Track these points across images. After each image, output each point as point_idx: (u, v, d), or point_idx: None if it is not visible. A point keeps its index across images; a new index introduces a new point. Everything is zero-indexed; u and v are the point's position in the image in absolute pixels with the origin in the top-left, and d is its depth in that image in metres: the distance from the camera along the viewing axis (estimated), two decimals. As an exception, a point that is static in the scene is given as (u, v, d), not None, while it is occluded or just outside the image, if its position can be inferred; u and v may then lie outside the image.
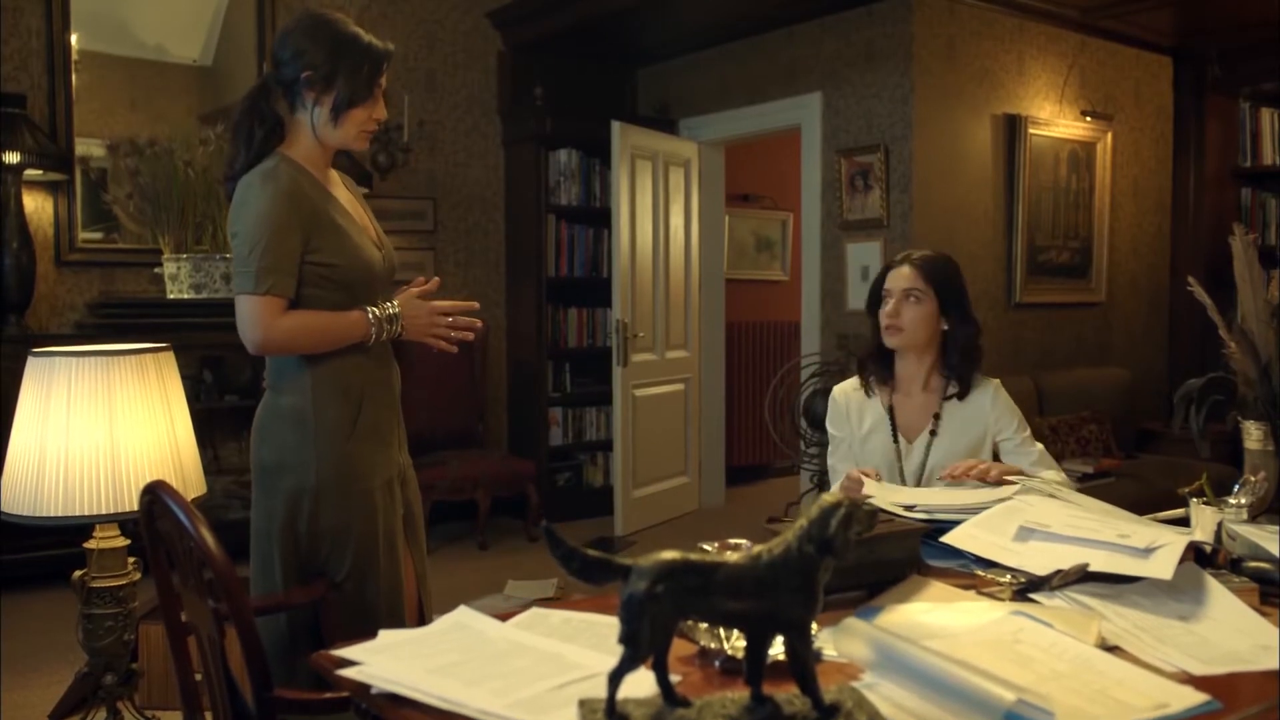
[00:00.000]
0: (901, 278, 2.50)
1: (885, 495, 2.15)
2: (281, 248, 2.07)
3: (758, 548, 1.16)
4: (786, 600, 1.14)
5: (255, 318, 2.08)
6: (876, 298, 2.56)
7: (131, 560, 2.68)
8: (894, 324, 2.48)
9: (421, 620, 2.41)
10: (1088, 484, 4.72)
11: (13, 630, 4.03)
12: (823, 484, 2.46)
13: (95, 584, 2.61)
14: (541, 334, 6.08)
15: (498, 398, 6.30)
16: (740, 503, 6.70)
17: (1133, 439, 5.81)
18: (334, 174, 2.32)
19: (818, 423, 4.89)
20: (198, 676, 1.85)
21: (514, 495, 5.75)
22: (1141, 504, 4.56)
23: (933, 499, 2.08)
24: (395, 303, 2.23)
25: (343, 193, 2.30)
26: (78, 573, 2.63)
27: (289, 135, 2.22)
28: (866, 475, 2.29)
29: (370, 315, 2.18)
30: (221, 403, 5.05)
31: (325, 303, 2.16)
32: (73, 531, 2.52)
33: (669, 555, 1.13)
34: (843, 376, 5.17)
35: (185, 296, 4.82)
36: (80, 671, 3.08)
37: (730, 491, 6.81)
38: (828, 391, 4.98)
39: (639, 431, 5.93)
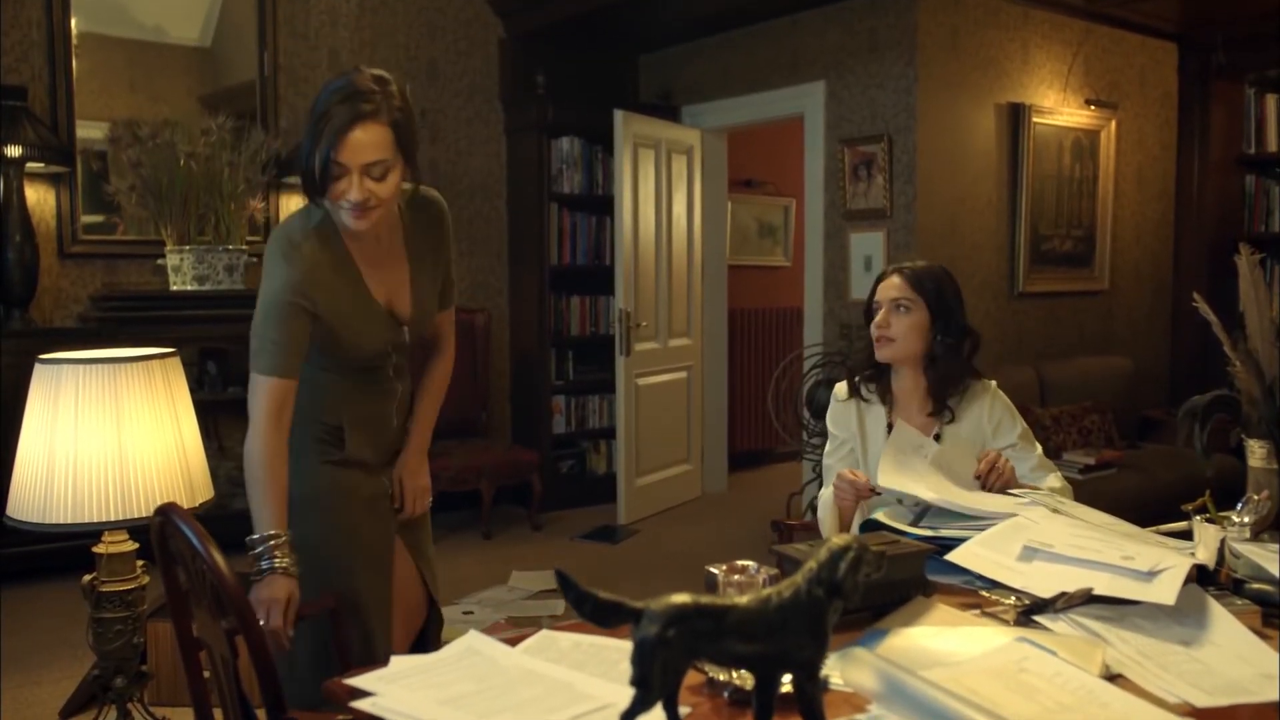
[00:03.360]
0: (891, 287, 2.48)
1: (893, 479, 2.16)
2: (285, 332, 2.01)
3: (766, 590, 1.18)
4: (796, 642, 1.15)
5: (253, 397, 2.03)
6: (867, 310, 2.54)
7: (140, 564, 2.70)
8: (884, 334, 2.45)
9: (430, 625, 2.42)
10: (1089, 475, 4.75)
11: (21, 625, 4.06)
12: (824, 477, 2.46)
13: (104, 588, 2.63)
14: (544, 323, 6.08)
15: (501, 387, 6.31)
16: (742, 489, 6.72)
17: (1135, 427, 5.83)
18: (386, 224, 2.13)
19: (820, 413, 4.91)
20: (206, 674, 1.88)
21: (517, 484, 5.77)
22: (1144, 497, 4.61)
23: (941, 491, 2.09)
24: (280, 562, 1.96)
25: (379, 254, 2.14)
26: (87, 577, 2.66)
27: None
28: (858, 476, 2.29)
29: (259, 540, 1.97)
30: (225, 394, 5.06)
31: (324, 376, 2.16)
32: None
33: (680, 599, 1.14)
34: (845, 367, 5.21)
35: (188, 289, 4.83)
36: (90, 673, 3.11)
37: (732, 478, 6.83)
38: (830, 382, 5.03)
39: (642, 420, 5.94)
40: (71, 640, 3.71)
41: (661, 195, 6.08)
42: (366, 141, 1.92)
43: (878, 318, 2.47)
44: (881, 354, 2.48)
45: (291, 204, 5.59)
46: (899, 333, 2.45)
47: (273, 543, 1.96)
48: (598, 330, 6.32)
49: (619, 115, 5.73)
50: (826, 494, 2.43)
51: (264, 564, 1.95)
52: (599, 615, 1.16)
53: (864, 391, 2.53)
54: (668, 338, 6.18)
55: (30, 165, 4.65)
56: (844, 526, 2.36)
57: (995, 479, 2.25)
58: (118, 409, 2.43)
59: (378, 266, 2.15)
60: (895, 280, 2.48)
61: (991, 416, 2.46)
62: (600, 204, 6.20)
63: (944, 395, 2.47)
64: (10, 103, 4.58)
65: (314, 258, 2.04)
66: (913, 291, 2.45)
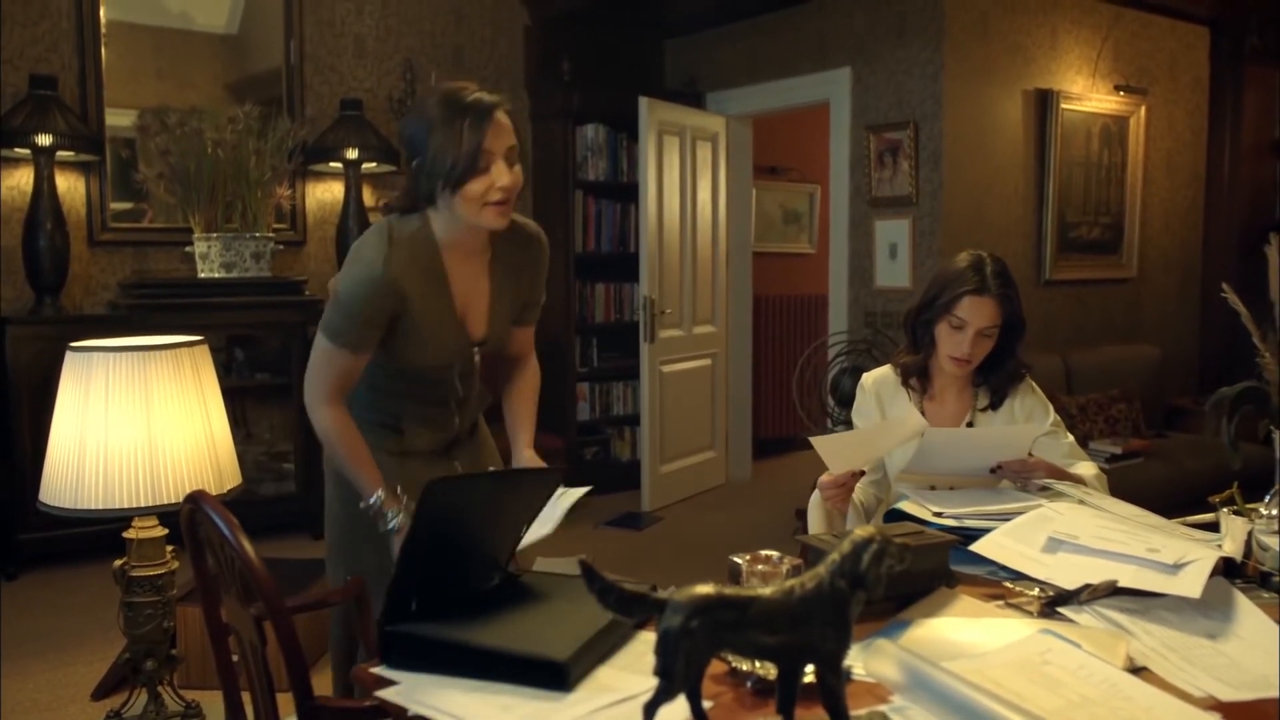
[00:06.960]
0: (985, 314, 2.34)
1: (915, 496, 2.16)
2: (371, 311, 2.04)
3: (789, 581, 1.18)
4: (819, 634, 1.16)
5: (321, 366, 2.07)
6: (938, 312, 2.39)
7: (170, 549, 2.74)
8: (968, 359, 2.37)
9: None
10: (1116, 465, 4.72)
11: (55, 607, 4.12)
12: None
13: (135, 573, 2.67)
14: (569, 309, 6.09)
15: (525, 373, 6.32)
16: (767, 476, 6.72)
17: (1162, 416, 5.79)
18: (479, 244, 2.15)
19: (844, 400, 4.90)
20: (235, 658, 1.90)
21: (542, 470, 5.78)
22: (1171, 486, 4.57)
23: (962, 505, 2.08)
24: (395, 519, 2.06)
25: (465, 271, 2.15)
26: (118, 561, 2.70)
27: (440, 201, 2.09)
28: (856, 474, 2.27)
29: (376, 499, 2.07)
30: (253, 380, 5.10)
31: (385, 380, 2.19)
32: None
33: (703, 590, 1.14)
34: (870, 355, 5.20)
35: (216, 276, 4.87)
36: (121, 656, 3.15)
37: (757, 465, 6.83)
38: (855, 370, 5.01)
39: (666, 407, 5.95)
40: (104, 622, 3.76)
41: (686, 182, 6.07)
42: (506, 125, 1.98)
43: (964, 344, 2.35)
44: (956, 371, 2.41)
45: (318, 192, 5.62)
46: (980, 357, 2.39)
47: (378, 506, 2.06)
48: (622, 317, 6.32)
49: (644, 102, 5.72)
50: (816, 496, 2.41)
51: (387, 526, 2.06)
52: (623, 607, 1.17)
53: (912, 384, 2.51)
54: (692, 325, 6.18)
55: (60, 154, 4.69)
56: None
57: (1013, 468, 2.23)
58: (147, 396, 2.47)
59: (463, 281, 2.15)
60: (992, 307, 2.34)
61: (1024, 405, 2.45)
62: (625, 191, 6.19)
63: (1004, 394, 2.45)
64: (41, 92, 4.62)
65: (411, 257, 2.05)
66: (1001, 317, 2.36)
